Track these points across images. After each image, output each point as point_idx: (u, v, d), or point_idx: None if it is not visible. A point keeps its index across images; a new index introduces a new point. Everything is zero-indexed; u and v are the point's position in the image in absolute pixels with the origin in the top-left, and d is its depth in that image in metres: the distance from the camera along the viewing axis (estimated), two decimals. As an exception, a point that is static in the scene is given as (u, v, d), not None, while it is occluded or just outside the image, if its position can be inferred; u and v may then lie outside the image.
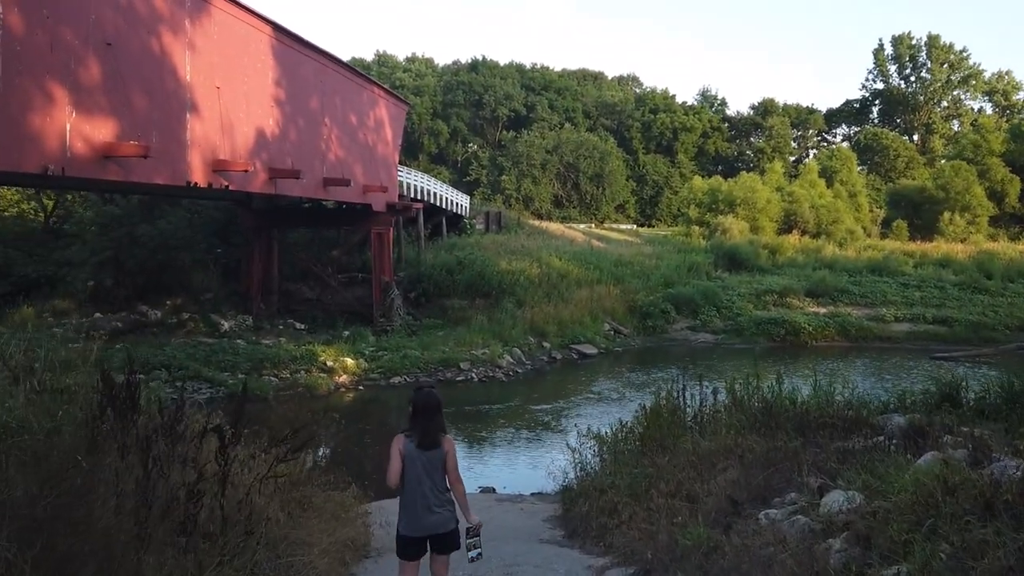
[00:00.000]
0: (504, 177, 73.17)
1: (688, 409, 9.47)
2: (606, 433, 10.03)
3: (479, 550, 5.49)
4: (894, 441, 6.03)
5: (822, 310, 35.01)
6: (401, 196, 30.98)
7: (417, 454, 5.29)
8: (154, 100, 14.63)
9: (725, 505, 5.85)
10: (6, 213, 33.33)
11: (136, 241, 26.99)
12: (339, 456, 9.22)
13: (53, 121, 12.09)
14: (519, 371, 26.06)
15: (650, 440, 8.56)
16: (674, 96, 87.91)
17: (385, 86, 29.39)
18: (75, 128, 12.53)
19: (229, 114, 17.37)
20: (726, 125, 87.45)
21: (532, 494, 13.07)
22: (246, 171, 17.11)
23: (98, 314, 26.88)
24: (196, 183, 16.12)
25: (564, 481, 10.97)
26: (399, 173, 31.17)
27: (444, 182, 46.18)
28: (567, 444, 10.31)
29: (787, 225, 51.57)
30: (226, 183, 17.29)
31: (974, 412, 7.27)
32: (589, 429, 10.35)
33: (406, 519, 5.35)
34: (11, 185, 21.87)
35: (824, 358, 28.11)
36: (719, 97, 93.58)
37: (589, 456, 9.87)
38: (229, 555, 4.28)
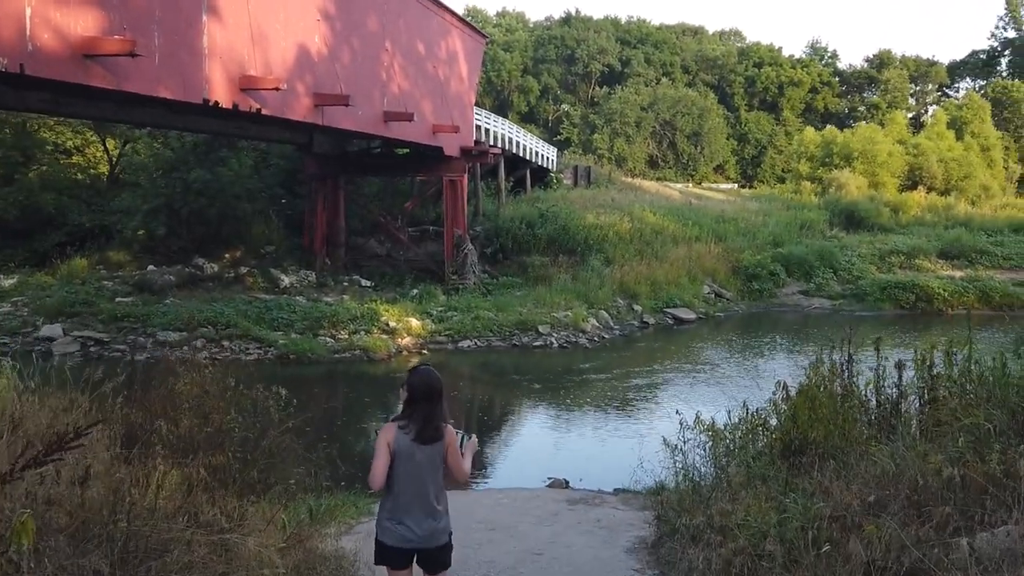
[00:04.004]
0: (596, 136, 69.48)
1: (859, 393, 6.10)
2: (724, 424, 6.77)
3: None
4: None
5: (958, 273, 30.47)
6: (478, 142, 27.91)
7: (412, 449, 4.42)
8: (156, -8, 11.91)
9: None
10: (70, 161, 31.84)
11: (190, 188, 24.82)
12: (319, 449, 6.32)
13: (4, 4, 9.45)
14: (606, 337, 22.91)
15: (802, 443, 5.32)
16: (780, 49, 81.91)
17: (459, 14, 26.23)
18: (39, 14, 9.88)
19: (261, 23, 14.58)
20: (837, 79, 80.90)
21: (615, 491, 10.03)
22: (278, 89, 14.30)
23: (151, 267, 24.99)
24: (217, 102, 13.42)
25: (657, 485, 7.90)
26: (476, 117, 28.08)
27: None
28: (663, 440, 7.10)
29: (911, 181, 46.33)
30: (257, 106, 14.55)
31: None
32: (698, 417, 7.08)
33: (390, 527, 4.43)
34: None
35: (966, 328, 23.85)
36: (829, 50, 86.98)
37: (696, 459, 6.65)
38: None
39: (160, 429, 4.15)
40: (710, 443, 6.62)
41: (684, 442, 6.79)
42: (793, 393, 6.09)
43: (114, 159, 31.65)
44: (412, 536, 4.40)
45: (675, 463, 6.73)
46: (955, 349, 5.94)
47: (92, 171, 32.00)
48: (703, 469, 6.50)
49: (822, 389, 5.89)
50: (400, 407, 4.56)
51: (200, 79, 13.03)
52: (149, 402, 4.62)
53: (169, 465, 4.01)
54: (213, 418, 4.66)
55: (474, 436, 4.81)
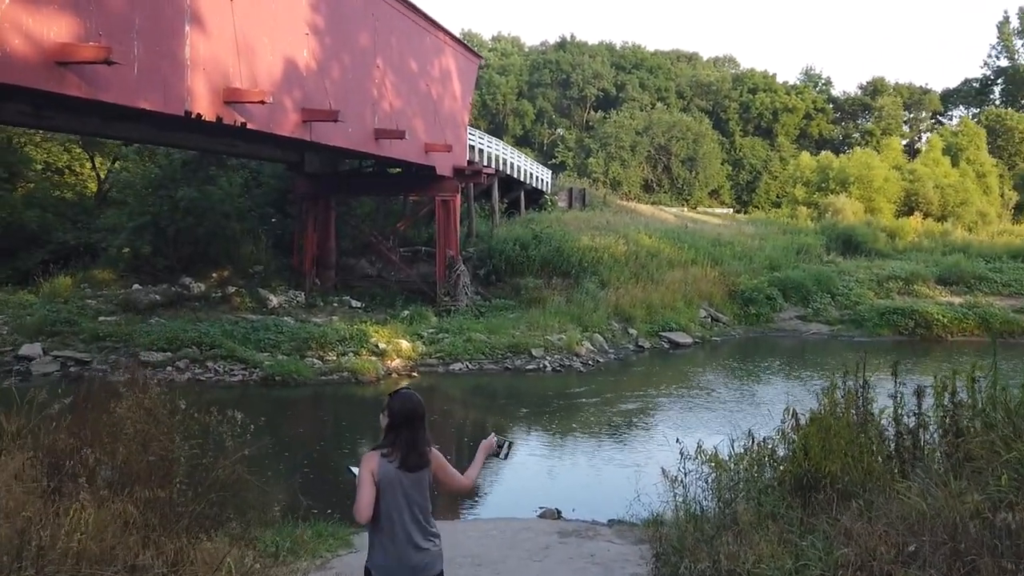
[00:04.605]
0: (591, 160, 69.29)
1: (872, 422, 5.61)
2: (728, 455, 6.27)
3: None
4: None
5: (957, 300, 30.05)
6: (471, 162, 27.54)
7: (398, 477, 4.20)
8: (136, 0, 11.51)
9: None
10: (61, 179, 31.41)
11: (177, 206, 24.37)
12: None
13: (-27, 4, 9.04)
14: (600, 360, 22.40)
15: (815, 476, 4.84)
16: (774, 76, 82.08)
17: (453, 33, 25.93)
18: (9, 18, 9.46)
19: (247, 35, 14.20)
20: (831, 106, 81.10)
21: (610, 522, 9.52)
22: (263, 102, 13.88)
23: (136, 285, 24.47)
24: (200, 114, 13.00)
25: (655, 516, 7.40)
26: (470, 137, 27.74)
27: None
28: (663, 471, 6.60)
29: (907, 207, 46.12)
30: (242, 120, 14.13)
31: None
32: (699, 446, 6.59)
33: (381, 560, 4.20)
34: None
35: (968, 354, 23.41)
36: (823, 76, 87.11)
37: (697, 491, 6.15)
38: None
39: (87, 459, 3.66)
40: (712, 475, 6.12)
41: (685, 473, 6.29)
42: (803, 421, 5.62)
43: (103, 177, 31.24)
44: (406, 570, 4.18)
45: (675, 496, 6.23)
46: (979, 375, 5.43)
47: (80, 189, 31.57)
48: (705, 503, 6.00)
49: (836, 418, 5.42)
50: (381, 434, 4.31)
51: (182, 90, 12.61)
52: (80, 427, 4.12)
53: (98, 500, 3.50)
54: (154, 446, 4.15)
55: (493, 435, 4.69)
